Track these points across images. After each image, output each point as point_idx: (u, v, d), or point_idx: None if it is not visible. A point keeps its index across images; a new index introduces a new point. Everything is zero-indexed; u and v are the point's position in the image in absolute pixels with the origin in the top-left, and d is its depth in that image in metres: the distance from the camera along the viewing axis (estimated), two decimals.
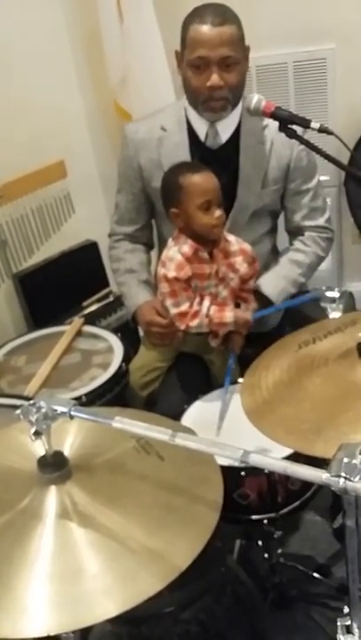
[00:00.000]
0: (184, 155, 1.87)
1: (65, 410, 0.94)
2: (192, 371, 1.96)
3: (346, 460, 0.77)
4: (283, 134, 1.79)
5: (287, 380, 1.23)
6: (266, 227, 2.01)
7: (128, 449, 1.11)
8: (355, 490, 0.75)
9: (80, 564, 0.94)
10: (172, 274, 1.70)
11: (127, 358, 2.01)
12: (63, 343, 2.09)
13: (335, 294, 2.70)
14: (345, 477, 0.75)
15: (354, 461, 0.76)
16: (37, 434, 0.95)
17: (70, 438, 1.12)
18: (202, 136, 1.88)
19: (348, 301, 2.74)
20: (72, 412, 0.93)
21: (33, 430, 0.95)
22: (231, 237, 1.79)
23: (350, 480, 0.75)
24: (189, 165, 1.77)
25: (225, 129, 1.87)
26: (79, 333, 2.17)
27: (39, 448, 1.04)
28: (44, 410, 0.95)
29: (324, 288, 2.66)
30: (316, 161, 1.93)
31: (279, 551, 1.85)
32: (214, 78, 1.72)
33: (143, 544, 0.94)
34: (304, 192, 1.94)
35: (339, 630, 0.94)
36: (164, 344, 1.91)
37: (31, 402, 0.95)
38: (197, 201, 1.67)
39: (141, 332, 2.14)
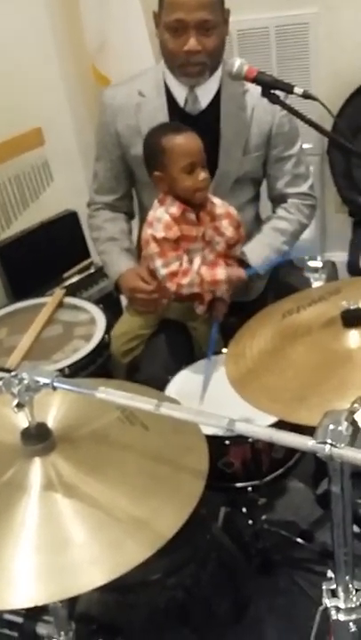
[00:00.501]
0: (163, 120, 1.83)
1: (47, 381, 0.93)
2: (175, 338, 1.94)
3: (332, 426, 0.77)
4: (264, 100, 1.75)
5: (271, 349, 1.23)
6: (248, 194, 1.99)
7: (112, 420, 1.10)
8: (341, 456, 0.75)
9: (66, 534, 0.94)
10: (160, 234, 1.67)
11: (109, 330, 2.00)
12: (44, 315, 2.07)
13: (318, 264, 2.72)
14: (331, 444, 0.75)
15: (340, 428, 0.76)
16: (20, 406, 0.94)
17: (53, 410, 1.12)
18: (181, 101, 1.84)
19: (331, 271, 2.77)
20: (55, 384, 0.92)
21: (15, 402, 0.94)
22: (217, 200, 1.77)
23: (336, 447, 0.75)
24: (172, 126, 1.73)
25: (205, 94, 1.83)
26: (60, 305, 2.15)
27: (22, 420, 1.03)
28: (26, 381, 0.93)
29: (307, 258, 2.69)
30: (299, 128, 1.91)
31: (263, 517, 1.87)
32: (192, 43, 1.68)
33: (129, 513, 0.94)
34: (286, 158, 1.92)
35: (324, 594, 0.95)
36: (148, 311, 1.89)
37: (13, 373, 0.94)
38: (181, 163, 1.64)
39: (124, 302, 2.13)
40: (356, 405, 0.79)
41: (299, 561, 1.94)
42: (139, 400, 0.85)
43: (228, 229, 1.76)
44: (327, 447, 0.75)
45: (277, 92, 1.62)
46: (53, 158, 2.51)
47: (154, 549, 0.88)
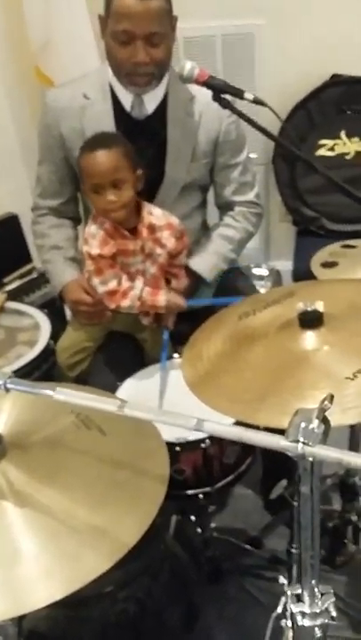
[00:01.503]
0: (108, 125, 1.77)
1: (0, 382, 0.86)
2: (123, 350, 1.90)
3: (303, 424, 0.74)
4: (212, 107, 1.71)
5: (229, 351, 1.20)
6: (196, 201, 1.96)
7: (67, 424, 1.04)
8: (313, 454, 0.72)
9: (17, 546, 0.88)
10: (95, 251, 1.63)
11: (55, 335, 1.94)
12: None
13: (264, 271, 2.73)
14: (303, 442, 0.73)
15: (311, 426, 0.74)
16: None
17: (3, 415, 1.05)
18: (127, 106, 1.78)
19: (276, 279, 2.78)
20: (8, 385, 0.85)
21: None
22: (157, 211, 1.72)
23: (308, 445, 0.72)
24: (90, 142, 1.64)
25: (151, 99, 1.78)
26: (2, 310, 2.07)
27: None
28: None
29: (252, 266, 2.69)
30: (246, 137, 1.90)
31: (212, 525, 1.84)
32: (140, 55, 1.62)
33: (86, 522, 0.89)
34: (233, 166, 1.90)
35: (289, 600, 0.92)
36: (92, 323, 1.84)
37: None
38: (87, 183, 1.59)
39: (68, 311, 2.06)
40: (326, 403, 0.76)
41: (248, 568, 1.92)
42: (100, 401, 0.80)
43: (169, 240, 1.71)
44: (300, 446, 0.73)
45: (227, 97, 1.62)
46: None
47: (114, 560, 0.83)
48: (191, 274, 1.85)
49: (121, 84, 1.75)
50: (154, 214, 1.70)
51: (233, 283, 2.04)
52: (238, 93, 1.60)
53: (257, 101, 1.62)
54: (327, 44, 2.57)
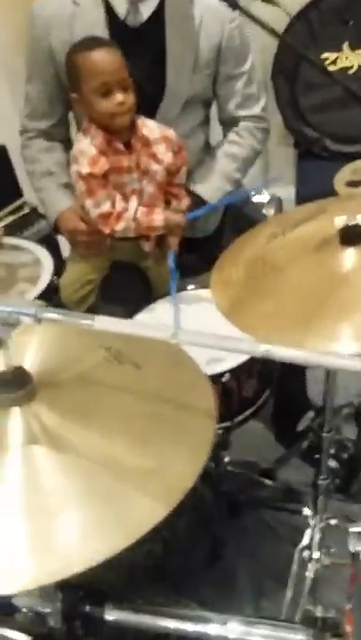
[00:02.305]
0: (101, 33, 1.60)
1: (30, 312, 0.75)
2: (129, 279, 1.79)
3: None
4: (212, 9, 1.62)
5: (261, 276, 1.09)
6: (198, 118, 1.80)
7: (98, 360, 0.93)
8: None
9: (60, 496, 0.78)
10: (85, 169, 1.49)
11: (57, 270, 1.81)
12: None
13: (264, 198, 2.59)
14: None
15: None
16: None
17: (29, 352, 0.93)
18: (121, 13, 1.60)
19: (278, 206, 2.65)
20: (40, 315, 0.74)
21: None
22: (151, 123, 1.57)
23: None
24: (88, 41, 1.50)
25: (147, 4, 1.60)
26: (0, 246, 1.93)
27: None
28: (2, 314, 0.75)
29: (253, 192, 2.55)
30: (250, 44, 1.74)
31: (226, 459, 1.79)
32: None
33: (133, 464, 0.79)
34: (238, 76, 1.74)
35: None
36: (92, 253, 1.72)
37: None
38: (93, 83, 1.43)
39: (64, 245, 1.93)
40: None
41: (264, 500, 1.88)
42: (151, 328, 0.69)
43: (166, 155, 1.56)
44: None
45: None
46: None
47: (171, 505, 0.74)
48: (193, 196, 1.72)
49: None
50: (148, 126, 1.55)
51: (240, 207, 1.92)
52: None
53: (269, 1, 1.48)
54: None
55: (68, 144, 1.84)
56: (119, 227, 1.53)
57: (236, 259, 1.17)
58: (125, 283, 1.78)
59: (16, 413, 0.85)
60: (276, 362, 1.58)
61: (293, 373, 1.85)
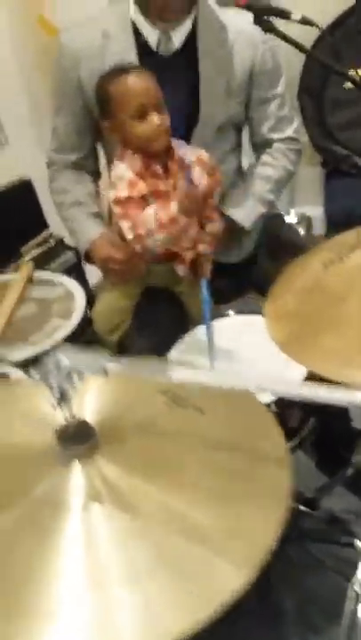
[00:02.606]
0: (132, 63, 1.57)
1: (99, 364, 0.69)
2: (164, 306, 1.73)
3: None
4: (244, 34, 1.59)
5: (320, 305, 1.03)
6: (231, 142, 1.77)
7: (159, 405, 0.87)
8: None
9: (130, 562, 0.71)
10: (123, 193, 1.44)
11: (90, 302, 1.77)
12: (14, 292, 1.79)
13: (293, 219, 2.55)
14: None
15: None
16: (62, 399, 0.71)
17: (87, 400, 0.88)
18: (153, 43, 1.58)
19: (308, 225, 2.61)
20: (108, 366, 0.69)
21: (56, 396, 0.71)
22: (185, 146, 1.53)
23: None
24: (119, 69, 1.47)
25: (178, 33, 1.57)
26: (30, 280, 1.89)
27: (51, 414, 0.80)
28: (66, 367, 0.70)
29: (282, 213, 2.50)
30: (282, 66, 1.70)
31: None
32: None
33: (209, 523, 0.73)
34: (271, 99, 1.70)
35: None
36: (125, 281, 1.67)
37: (48, 357, 0.71)
38: (128, 107, 1.40)
39: (90, 274, 1.87)
40: None
41: (308, 531, 1.81)
42: (233, 378, 0.63)
43: (201, 178, 1.51)
44: None
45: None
46: (6, 119, 2.20)
47: (256, 567, 0.68)
48: (227, 219, 1.67)
49: (147, 19, 1.55)
50: (182, 149, 1.51)
51: (275, 229, 1.87)
52: (284, 14, 1.42)
53: (305, 22, 1.44)
54: None
55: (96, 175, 1.82)
56: (142, 230, 1.44)
57: (289, 288, 1.11)
58: (159, 309, 1.73)
59: (77, 469, 0.79)
60: None
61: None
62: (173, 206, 1.43)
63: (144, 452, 0.81)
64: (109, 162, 1.77)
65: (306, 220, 2.47)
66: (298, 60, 1.57)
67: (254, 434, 0.83)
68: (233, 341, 1.51)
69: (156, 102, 1.41)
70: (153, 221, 1.43)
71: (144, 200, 1.46)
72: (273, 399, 1.35)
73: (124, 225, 1.47)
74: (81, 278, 2.27)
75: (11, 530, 0.77)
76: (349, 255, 1.11)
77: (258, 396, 1.32)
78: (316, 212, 2.76)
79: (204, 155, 1.53)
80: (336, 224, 2.41)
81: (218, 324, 1.57)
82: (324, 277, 1.09)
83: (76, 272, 2.42)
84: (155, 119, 1.41)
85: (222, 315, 1.62)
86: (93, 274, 2.64)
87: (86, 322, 1.73)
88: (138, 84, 1.41)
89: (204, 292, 1.57)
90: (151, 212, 1.44)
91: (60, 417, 0.78)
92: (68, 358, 0.70)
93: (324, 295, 1.05)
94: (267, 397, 1.35)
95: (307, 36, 2.22)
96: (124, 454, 0.80)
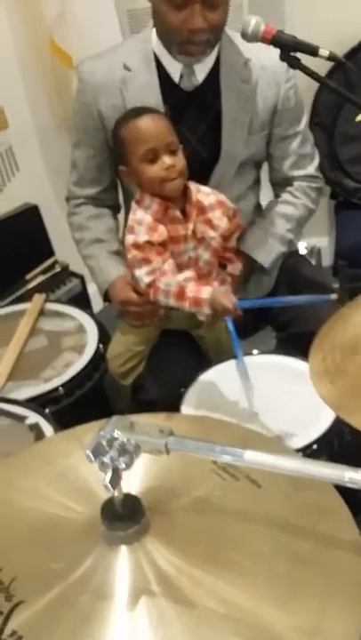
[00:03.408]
0: (155, 98, 1.50)
1: (158, 442, 0.59)
2: (181, 350, 1.63)
3: None
4: (268, 71, 1.53)
5: None
6: (250, 180, 1.69)
7: (209, 477, 0.76)
8: None
9: None
10: (143, 238, 1.36)
11: (103, 337, 1.66)
12: (26, 325, 1.70)
13: (302, 251, 2.47)
14: None
15: None
16: (116, 477, 0.60)
17: (135, 478, 0.75)
18: (175, 77, 1.51)
19: (317, 258, 2.53)
20: (170, 445, 0.58)
21: (108, 476, 0.60)
22: (205, 189, 1.46)
23: None
24: (131, 111, 1.41)
25: (201, 67, 1.51)
26: (41, 312, 1.78)
27: (99, 488, 0.69)
28: (122, 443, 0.60)
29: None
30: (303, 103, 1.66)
31: None
32: (198, 21, 1.35)
33: (282, 621, 0.62)
34: (292, 136, 1.63)
35: None
36: (144, 324, 1.57)
37: (100, 432, 0.60)
38: (139, 151, 1.33)
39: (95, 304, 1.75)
40: None
41: None
42: (322, 466, 0.53)
43: (221, 220, 1.45)
44: None
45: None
46: (18, 145, 2.10)
47: None
48: (246, 259, 1.59)
49: (170, 52, 1.47)
50: (201, 192, 1.44)
51: (294, 265, 1.78)
52: (312, 50, 1.36)
53: (333, 58, 1.38)
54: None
55: (116, 209, 1.74)
56: (160, 283, 1.36)
57: (333, 344, 1.01)
58: (176, 354, 1.63)
59: (123, 552, 0.68)
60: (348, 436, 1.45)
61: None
62: (207, 292, 1.33)
63: (198, 534, 0.70)
64: (126, 196, 1.69)
65: (316, 253, 2.39)
66: (309, 94, 1.51)
67: (317, 510, 0.73)
68: (265, 381, 1.44)
69: (168, 144, 1.34)
70: (176, 286, 1.34)
71: (163, 246, 1.38)
72: (301, 446, 1.26)
73: (143, 269, 1.38)
74: (87, 307, 2.16)
75: (45, 614, 0.66)
76: None
77: (284, 441, 1.25)
78: (323, 243, 2.68)
79: (223, 197, 1.47)
80: (346, 257, 2.33)
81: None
82: None
83: (81, 300, 2.33)
84: (166, 161, 1.33)
85: (246, 354, 1.53)
86: (99, 302, 2.55)
87: (100, 357, 1.62)
88: (148, 126, 1.34)
89: (231, 329, 1.47)
90: (181, 278, 1.36)
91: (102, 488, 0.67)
92: (123, 432, 0.59)
93: None
94: (293, 443, 1.26)
95: (317, 69, 2.18)
96: (175, 536, 0.69)
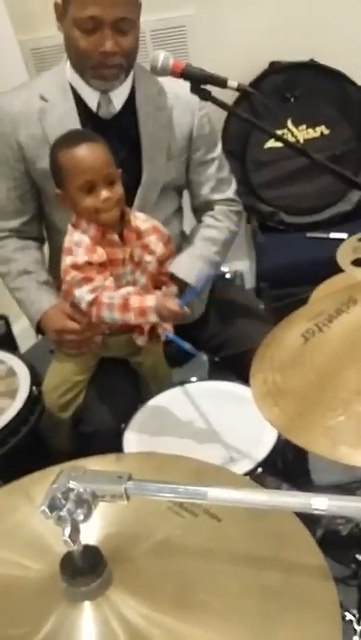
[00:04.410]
0: (73, 126, 1.51)
1: (117, 489, 0.56)
2: (119, 378, 1.61)
3: None
4: (182, 100, 1.57)
5: (314, 381, 0.94)
6: (173, 205, 1.71)
7: (165, 515, 0.73)
8: None
9: None
10: (82, 258, 1.34)
11: (36, 379, 1.60)
12: None
13: (227, 275, 2.49)
14: None
15: None
16: (75, 531, 0.56)
17: (91, 529, 0.71)
18: (93, 105, 1.53)
19: (240, 281, 2.57)
20: (130, 491, 0.55)
21: (67, 531, 0.56)
22: (140, 214, 1.48)
23: None
24: (70, 137, 1.39)
25: (118, 96, 1.54)
26: None
27: (54, 541, 0.65)
28: (78, 494, 0.56)
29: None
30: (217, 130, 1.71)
31: None
32: (108, 45, 1.38)
33: None
34: (209, 162, 1.67)
35: None
36: (81, 353, 1.54)
37: (54, 485, 0.56)
38: (76, 181, 1.32)
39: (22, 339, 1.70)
40: None
41: None
42: (288, 496, 0.52)
43: (157, 245, 1.47)
44: None
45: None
46: None
47: None
48: (178, 283, 1.59)
49: (84, 79, 1.50)
50: (138, 218, 1.45)
51: (223, 291, 1.80)
52: (220, 82, 1.41)
53: (242, 89, 1.44)
54: (261, 30, 2.37)
55: (41, 241, 1.71)
56: (104, 297, 1.34)
57: (272, 365, 1.02)
58: (115, 383, 1.60)
59: (88, 611, 0.64)
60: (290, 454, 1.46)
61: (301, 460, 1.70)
62: (151, 299, 1.34)
63: (164, 579, 0.67)
64: (51, 227, 1.66)
65: (239, 276, 2.43)
66: (217, 123, 1.57)
67: (280, 538, 0.71)
68: (204, 407, 1.43)
69: (106, 176, 1.33)
70: (120, 298, 1.33)
71: (103, 267, 1.36)
72: (246, 470, 1.25)
73: (84, 288, 1.35)
74: (13, 348, 2.09)
75: None
76: (328, 325, 1.04)
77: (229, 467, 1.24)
78: (244, 266, 2.73)
79: (158, 223, 1.49)
80: (268, 279, 2.38)
81: (187, 390, 1.49)
82: (307, 350, 1.01)
83: (6, 342, 2.25)
84: (103, 194, 1.32)
85: (186, 381, 1.54)
86: (25, 342, 2.47)
87: (33, 399, 1.56)
88: (86, 158, 1.32)
89: (174, 339, 1.42)
90: (124, 292, 1.35)
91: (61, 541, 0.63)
92: (78, 482, 0.56)
93: (313, 370, 0.96)
94: (237, 468, 1.25)
95: (224, 98, 2.24)
96: (140, 584, 0.66)
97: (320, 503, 0.52)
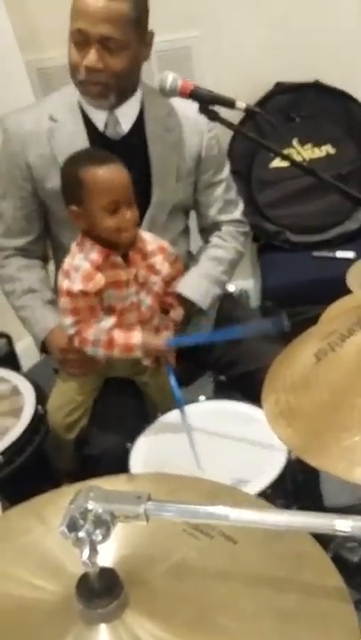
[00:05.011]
0: (82, 146, 1.53)
1: (137, 509, 0.56)
2: (125, 398, 1.62)
3: None
4: (190, 121, 1.59)
5: (329, 401, 0.94)
6: (180, 226, 1.74)
7: (180, 537, 0.73)
8: None
9: None
10: (77, 287, 1.36)
11: (40, 397, 1.61)
12: None
13: (233, 292, 2.50)
14: None
15: None
16: (94, 552, 0.56)
17: (107, 552, 0.71)
18: (100, 126, 1.56)
19: (245, 300, 2.58)
20: (149, 512, 0.55)
21: (86, 553, 0.56)
22: (147, 235, 1.49)
23: None
24: (95, 155, 1.42)
25: (125, 116, 1.57)
26: None
27: (68, 562, 0.65)
28: (97, 514, 0.56)
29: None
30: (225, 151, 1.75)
31: None
32: (90, 58, 1.41)
33: None
34: (217, 183, 1.70)
35: None
36: (85, 373, 1.54)
37: (72, 505, 0.56)
38: (102, 201, 1.34)
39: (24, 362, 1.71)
40: None
41: None
42: (312, 516, 0.52)
43: (163, 266, 1.49)
44: None
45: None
46: None
47: None
48: (185, 302, 1.60)
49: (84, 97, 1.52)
50: (144, 238, 1.47)
51: (230, 311, 1.81)
52: (229, 103, 1.43)
53: (250, 110, 1.45)
54: (266, 51, 2.41)
55: (45, 260, 1.74)
56: (87, 334, 1.39)
57: (284, 384, 1.01)
58: (121, 402, 1.61)
59: (104, 633, 0.64)
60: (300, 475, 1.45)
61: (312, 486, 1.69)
62: (137, 336, 1.39)
63: (180, 602, 0.67)
64: (58, 246, 1.68)
65: (244, 295, 2.44)
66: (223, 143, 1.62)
67: (297, 559, 0.71)
68: (212, 428, 1.43)
69: (129, 197, 1.36)
70: (106, 335, 1.38)
71: (98, 294, 1.38)
72: (257, 490, 1.25)
73: (68, 319, 1.39)
74: (15, 367, 2.10)
75: None
76: (341, 344, 1.03)
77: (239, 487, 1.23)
78: (249, 284, 2.74)
79: (165, 243, 1.51)
80: (273, 297, 2.39)
81: (193, 409, 1.48)
82: (321, 370, 1.00)
83: (9, 361, 2.25)
84: (126, 214, 1.35)
85: (193, 400, 1.53)
86: (28, 361, 2.48)
87: (38, 418, 1.56)
88: (113, 179, 1.35)
89: (172, 379, 1.47)
90: (107, 325, 1.39)
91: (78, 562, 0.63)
92: (97, 502, 0.56)
93: (328, 390, 0.96)
94: (248, 489, 1.24)
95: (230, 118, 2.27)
96: (157, 607, 0.65)
97: (343, 525, 0.52)
